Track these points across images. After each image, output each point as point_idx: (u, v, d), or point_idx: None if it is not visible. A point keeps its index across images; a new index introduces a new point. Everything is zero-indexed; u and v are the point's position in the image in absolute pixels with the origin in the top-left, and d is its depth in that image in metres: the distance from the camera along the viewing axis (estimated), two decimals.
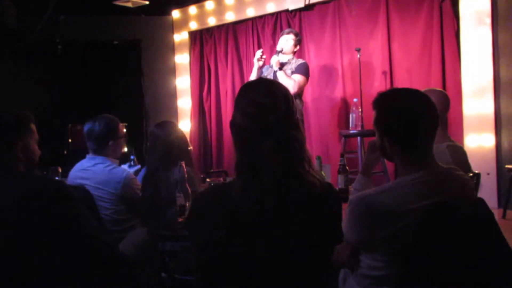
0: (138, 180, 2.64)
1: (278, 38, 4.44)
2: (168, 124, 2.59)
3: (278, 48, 4.26)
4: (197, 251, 1.29)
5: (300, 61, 4.31)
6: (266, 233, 1.21)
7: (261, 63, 4.25)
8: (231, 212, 1.21)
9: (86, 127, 2.59)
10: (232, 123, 1.30)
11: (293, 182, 1.23)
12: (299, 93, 4.17)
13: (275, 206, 1.20)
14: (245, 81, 5.84)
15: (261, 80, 1.46)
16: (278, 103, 1.26)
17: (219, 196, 1.27)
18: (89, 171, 2.57)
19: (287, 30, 4.40)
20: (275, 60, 4.18)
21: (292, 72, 4.18)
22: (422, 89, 1.65)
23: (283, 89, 1.32)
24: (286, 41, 4.27)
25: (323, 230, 1.27)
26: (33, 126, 1.72)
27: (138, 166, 3.15)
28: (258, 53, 4.27)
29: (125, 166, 3.04)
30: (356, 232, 1.47)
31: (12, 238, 1.51)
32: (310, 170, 1.27)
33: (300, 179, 1.24)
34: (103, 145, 2.58)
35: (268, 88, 1.31)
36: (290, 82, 4.00)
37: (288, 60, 4.29)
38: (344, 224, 1.47)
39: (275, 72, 4.16)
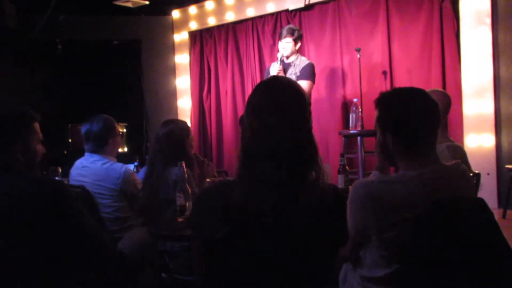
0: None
1: (278, 38, 4.28)
2: (169, 121, 2.59)
3: (279, 55, 4.09)
4: (198, 249, 1.29)
5: (305, 61, 4.11)
6: (268, 233, 1.21)
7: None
8: (233, 210, 1.20)
9: (84, 129, 2.60)
10: (241, 121, 1.29)
11: (294, 187, 1.23)
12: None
13: (276, 209, 1.20)
14: (245, 81, 5.85)
15: (272, 94, 1.29)
16: (285, 120, 1.23)
17: (221, 194, 1.26)
18: (88, 168, 2.57)
19: (284, 33, 4.10)
20: (277, 69, 4.00)
21: (297, 78, 3.97)
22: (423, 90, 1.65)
23: (295, 103, 1.27)
24: (287, 44, 4.06)
25: (327, 233, 1.27)
26: (35, 126, 1.68)
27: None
28: (276, 68, 4.03)
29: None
30: (355, 218, 1.46)
31: (11, 238, 1.51)
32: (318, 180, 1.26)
33: (301, 188, 1.23)
34: (102, 144, 2.59)
35: (277, 105, 1.25)
36: None
37: (292, 61, 4.12)
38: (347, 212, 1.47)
39: None
